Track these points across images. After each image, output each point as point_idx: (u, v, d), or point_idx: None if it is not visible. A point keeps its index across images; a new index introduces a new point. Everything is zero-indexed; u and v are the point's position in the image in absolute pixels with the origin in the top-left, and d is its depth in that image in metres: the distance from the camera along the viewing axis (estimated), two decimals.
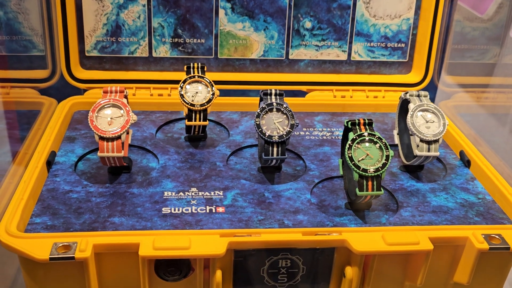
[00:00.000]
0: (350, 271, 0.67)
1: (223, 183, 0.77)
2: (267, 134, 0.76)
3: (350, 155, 0.70)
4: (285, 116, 0.77)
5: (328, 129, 0.93)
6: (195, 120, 0.83)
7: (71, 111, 0.93)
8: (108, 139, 0.74)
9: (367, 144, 0.71)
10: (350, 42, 1.00)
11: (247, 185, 0.77)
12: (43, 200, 0.72)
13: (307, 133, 0.91)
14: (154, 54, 0.99)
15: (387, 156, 0.70)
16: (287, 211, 0.73)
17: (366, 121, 0.73)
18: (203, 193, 0.75)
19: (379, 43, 1.01)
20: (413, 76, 1.02)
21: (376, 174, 0.69)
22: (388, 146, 0.71)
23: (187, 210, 0.72)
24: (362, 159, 0.70)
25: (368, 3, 0.98)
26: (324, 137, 0.90)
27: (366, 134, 0.71)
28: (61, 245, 0.62)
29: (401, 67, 1.03)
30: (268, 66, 1.01)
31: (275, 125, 0.77)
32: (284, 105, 0.78)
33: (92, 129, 0.74)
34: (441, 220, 0.72)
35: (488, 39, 1.03)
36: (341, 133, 0.91)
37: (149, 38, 0.98)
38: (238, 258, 0.67)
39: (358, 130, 0.72)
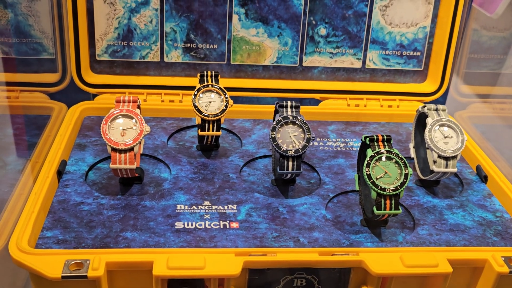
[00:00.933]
0: None
1: (236, 196, 0.76)
2: (283, 148, 0.74)
3: (368, 172, 0.68)
4: (301, 129, 0.76)
5: (342, 139, 0.91)
6: (208, 130, 0.82)
7: (81, 116, 0.91)
8: (120, 151, 0.72)
9: (385, 161, 0.69)
10: (365, 50, 0.99)
11: (261, 199, 0.76)
12: (54, 212, 0.71)
13: (320, 143, 0.90)
14: (165, 59, 0.97)
15: (406, 175, 0.69)
16: (302, 228, 0.71)
17: (385, 137, 0.71)
18: (216, 206, 0.74)
19: (394, 51, 0.99)
20: (428, 85, 1.00)
21: (394, 193, 0.68)
22: (407, 164, 0.69)
23: (201, 225, 0.70)
24: (381, 177, 0.69)
25: (384, 10, 0.96)
26: (338, 148, 0.89)
27: (384, 151, 0.70)
28: (73, 262, 0.61)
29: (416, 76, 1.01)
30: (281, 73, 0.99)
31: (290, 138, 0.75)
32: (300, 118, 0.76)
33: (105, 140, 0.72)
34: (459, 240, 0.71)
35: (505, 48, 1.01)
36: (355, 144, 0.90)
37: (161, 42, 0.96)
38: (253, 277, 0.66)
39: (376, 147, 0.70)
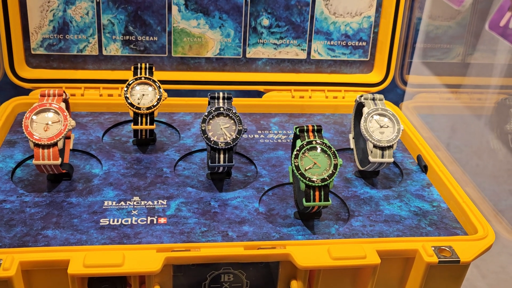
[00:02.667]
0: (296, 285, 0.65)
1: (168, 191, 0.74)
2: (213, 140, 0.72)
3: (297, 164, 0.67)
4: (232, 121, 0.74)
5: (284, 131, 0.90)
6: (141, 124, 0.79)
7: (14, 112, 0.88)
8: (43, 146, 0.70)
9: (314, 152, 0.68)
10: (310, 41, 0.97)
11: (193, 193, 0.74)
12: None
13: (261, 135, 0.88)
14: (104, 52, 0.95)
15: (335, 165, 0.67)
16: (232, 222, 0.69)
17: (315, 127, 0.69)
18: (145, 202, 0.72)
19: (339, 42, 0.97)
20: (375, 75, 0.99)
21: (323, 184, 0.66)
22: (337, 155, 0.68)
23: (127, 221, 0.68)
24: (309, 168, 0.67)
25: (327, 0, 0.94)
26: (279, 140, 0.87)
27: (314, 142, 0.68)
28: None
29: (363, 66, 0.99)
30: (224, 65, 0.97)
31: (221, 130, 0.73)
32: (233, 110, 0.74)
33: (26, 135, 0.70)
34: (393, 231, 0.70)
35: (452, 37, 1.00)
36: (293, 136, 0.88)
37: (99, 35, 0.93)
38: (178, 273, 0.63)
39: (306, 137, 0.69)
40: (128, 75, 0.94)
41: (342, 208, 0.74)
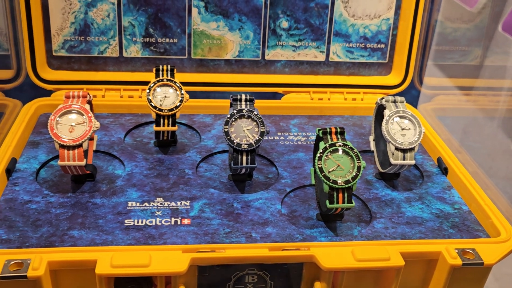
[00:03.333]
0: (319, 287, 0.65)
1: (190, 192, 0.74)
2: (235, 142, 0.73)
3: (320, 166, 0.67)
4: (255, 123, 0.74)
5: (304, 133, 0.90)
6: (163, 125, 0.80)
7: (36, 113, 0.89)
8: (68, 147, 0.70)
9: (338, 154, 0.68)
10: (328, 43, 0.97)
11: (216, 195, 0.74)
12: (0, 211, 0.69)
13: (281, 137, 0.89)
14: (124, 54, 0.95)
15: (359, 167, 0.67)
16: (255, 223, 0.70)
17: (338, 130, 0.70)
18: (169, 203, 0.72)
19: (358, 44, 0.98)
20: (393, 77, 0.99)
21: (347, 186, 0.67)
22: (360, 157, 0.68)
23: (151, 222, 0.69)
24: (333, 170, 0.67)
25: (346, 2, 0.95)
26: (299, 142, 0.87)
27: (337, 144, 0.68)
28: (13, 262, 0.59)
29: (381, 69, 1.00)
30: (243, 67, 0.98)
31: (244, 132, 0.74)
32: (255, 112, 0.75)
33: (52, 136, 0.70)
34: (415, 233, 0.70)
35: (470, 40, 1.00)
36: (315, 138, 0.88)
37: (119, 37, 0.94)
38: (202, 274, 0.64)
39: (329, 139, 0.69)
40: (148, 76, 0.95)
41: (364, 210, 0.74)
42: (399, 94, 0.97)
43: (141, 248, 0.63)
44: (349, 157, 0.68)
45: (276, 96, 1.01)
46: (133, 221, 0.69)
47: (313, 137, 0.89)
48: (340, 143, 0.68)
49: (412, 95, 1.02)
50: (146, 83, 0.94)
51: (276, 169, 0.81)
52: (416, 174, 0.82)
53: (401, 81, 0.98)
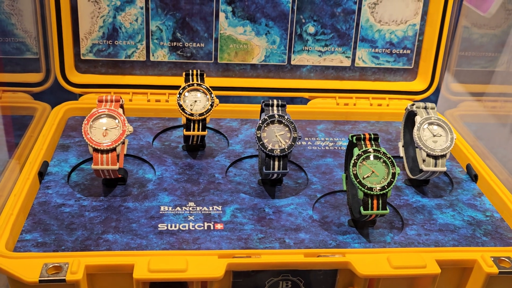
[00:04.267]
0: None
1: (222, 197, 0.75)
2: (268, 148, 0.73)
3: (355, 172, 0.67)
4: (287, 128, 0.74)
5: (331, 138, 0.90)
6: (193, 130, 0.80)
7: (65, 117, 0.90)
8: (102, 151, 0.71)
9: (372, 160, 0.68)
10: (354, 48, 0.97)
11: (247, 200, 0.75)
12: (34, 214, 0.69)
13: (309, 143, 0.89)
14: (151, 58, 0.96)
15: (393, 174, 0.67)
16: (288, 229, 0.70)
17: (372, 136, 0.70)
18: (201, 208, 0.72)
19: (384, 49, 0.98)
20: (419, 83, 0.99)
21: (382, 192, 0.66)
22: (395, 163, 0.68)
23: (184, 226, 0.69)
24: (368, 177, 0.67)
25: (373, 8, 0.95)
26: (327, 148, 0.87)
27: (371, 150, 0.68)
28: (51, 266, 0.59)
29: (406, 74, 1.00)
30: (269, 71, 0.98)
31: (276, 138, 0.74)
32: (286, 117, 0.75)
33: (86, 140, 0.71)
34: (448, 240, 0.70)
35: (496, 46, 1.00)
36: (344, 143, 0.88)
37: (147, 41, 0.94)
38: (237, 279, 0.64)
39: (363, 145, 0.69)
40: (175, 81, 0.95)
41: (395, 216, 0.74)
42: (424, 100, 0.97)
43: (177, 253, 0.63)
44: (384, 164, 0.68)
45: (300, 100, 1.01)
46: (167, 226, 0.69)
47: (340, 143, 0.89)
48: (374, 149, 0.68)
49: (437, 101, 1.02)
50: (173, 87, 0.95)
51: (305, 174, 0.81)
52: (446, 181, 0.82)
53: (427, 87, 0.98)
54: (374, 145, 0.69)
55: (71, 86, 0.93)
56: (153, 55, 0.96)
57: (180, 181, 0.77)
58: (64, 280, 0.58)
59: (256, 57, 0.97)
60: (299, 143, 0.88)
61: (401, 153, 0.83)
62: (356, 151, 0.69)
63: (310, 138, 0.90)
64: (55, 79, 0.94)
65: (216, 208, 0.72)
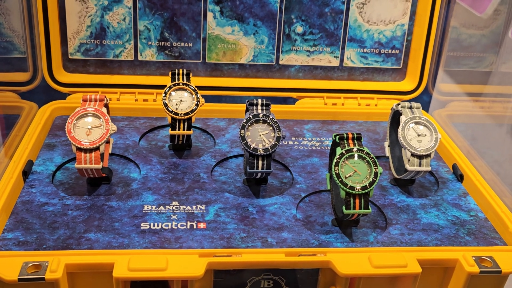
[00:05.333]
0: None
1: (206, 196, 0.75)
2: (252, 147, 0.73)
3: (337, 171, 0.67)
4: (271, 128, 0.74)
5: (318, 138, 0.90)
6: (178, 129, 0.80)
7: (52, 116, 0.90)
8: (86, 150, 0.71)
9: (355, 160, 0.68)
10: (343, 48, 0.97)
11: (231, 199, 0.74)
12: (17, 213, 0.69)
13: (295, 142, 0.89)
14: (139, 58, 0.96)
15: (376, 173, 0.67)
16: (271, 228, 0.70)
17: (355, 135, 0.70)
18: (184, 207, 0.72)
19: (372, 49, 0.98)
20: (407, 83, 0.99)
21: (363, 192, 0.66)
22: (377, 163, 0.68)
23: (167, 226, 0.69)
24: (350, 176, 0.67)
25: (361, 8, 0.95)
26: (313, 147, 0.87)
27: (354, 149, 0.68)
28: (31, 264, 0.59)
29: (395, 74, 0.99)
30: (257, 71, 0.98)
31: (260, 137, 0.74)
32: (271, 116, 0.75)
33: (69, 139, 0.71)
34: (431, 240, 0.70)
35: (485, 46, 1.00)
36: (331, 143, 0.88)
37: (135, 41, 0.94)
38: (218, 278, 0.64)
39: (346, 145, 0.69)
40: (163, 80, 0.95)
41: (379, 216, 0.74)
42: (413, 100, 0.97)
43: (158, 252, 0.63)
44: (366, 163, 0.68)
45: (289, 100, 1.01)
46: (149, 225, 0.69)
47: (327, 142, 0.89)
48: (357, 149, 0.68)
49: (425, 101, 1.02)
50: (160, 86, 0.95)
51: (291, 174, 0.81)
52: (431, 181, 0.82)
53: (415, 87, 0.98)
54: (357, 145, 0.69)
55: (58, 85, 0.93)
56: (141, 55, 0.96)
57: (164, 180, 0.77)
58: (43, 279, 0.58)
59: (245, 56, 0.97)
60: (286, 142, 0.88)
61: (387, 153, 0.83)
62: (338, 150, 0.69)
63: (297, 138, 0.90)
64: (42, 79, 0.94)
65: (199, 208, 0.72)
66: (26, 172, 0.75)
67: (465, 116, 1.01)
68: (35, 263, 0.59)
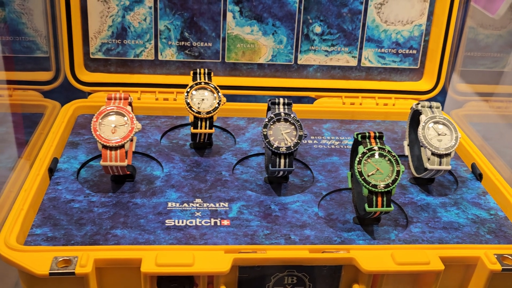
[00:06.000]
0: None
1: (228, 194, 0.76)
2: (274, 145, 0.74)
3: (359, 169, 0.68)
4: (293, 126, 0.75)
5: (337, 137, 0.91)
6: (200, 128, 0.81)
7: (74, 115, 0.91)
8: (111, 148, 0.72)
9: (377, 158, 0.69)
10: (361, 48, 0.98)
11: (253, 197, 0.75)
12: (44, 210, 0.70)
13: (315, 141, 0.89)
14: (160, 57, 0.97)
15: (398, 171, 0.68)
16: (294, 225, 0.71)
17: (377, 134, 0.71)
18: (208, 204, 0.73)
19: (390, 49, 0.98)
20: (424, 83, 0.99)
21: (386, 190, 0.67)
22: (399, 161, 0.69)
23: (191, 222, 0.70)
24: (372, 174, 0.68)
25: (379, 8, 0.96)
26: (333, 146, 0.88)
27: (376, 148, 0.69)
28: (61, 259, 0.60)
29: (412, 74, 1.00)
30: (276, 71, 0.99)
31: (282, 135, 0.75)
32: (292, 115, 0.76)
33: (95, 137, 0.72)
34: (452, 238, 0.70)
35: (502, 46, 1.00)
36: (350, 142, 0.89)
37: (155, 41, 0.96)
38: (243, 274, 0.65)
39: (368, 143, 0.70)
40: (182, 79, 0.97)
41: (400, 214, 0.75)
42: (430, 100, 0.98)
43: (184, 248, 0.64)
44: (388, 161, 0.69)
45: (304, 100, 1.02)
46: (174, 221, 0.70)
47: (346, 141, 0.90)
48: (379, 147, 0.69)
49: (442, 101, 1.03)
50: (180, 86, 0.96)
51: (311, 172, 0.82)
52: (450, 180, 0.83)
53: (433, 87, 0.98)
54: (379, 143, 0.70)
55: (80, 84, 0.95)
56: (161, 54, 0.97)
57: (187, 178, 0.78)
58: (73, 273, 0.59)
59: (263, 56, 0.98)
60: (305, 141, 0.89)
61: (406, 151, 0.83)
62: (361, 149, 0.69)
63: (316, 137, 0.90)
64: (64, 78, 0.95)
65: (222, 205, 0.73)
66: (52, 170, 0.77)
67: (482, 116, 1.02)
68: (65, 258, 0.60)
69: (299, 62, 0.99)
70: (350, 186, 0.74)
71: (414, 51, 0.99)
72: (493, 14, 1.00)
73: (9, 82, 0.95)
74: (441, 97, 1.01)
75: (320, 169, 0.82)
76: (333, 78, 1.00)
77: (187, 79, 0.93)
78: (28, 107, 0.94)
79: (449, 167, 0.76)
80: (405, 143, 0.84)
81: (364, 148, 0.69)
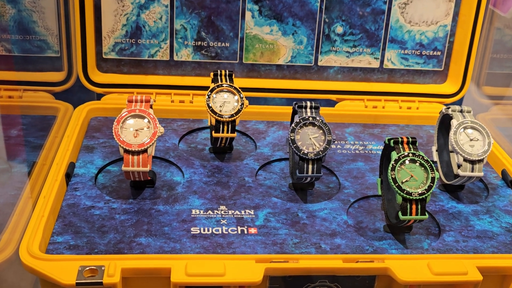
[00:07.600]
0: None
1: (253, 200, 0.73)
2: (302, 151, 0.71)
3: (393, 176, 0.65)
4: (321, 131, 0.72)
5: (361, 142, 0.88)
6: (222, 132, 0.78)
7: (88, 117, 0.88)
8: (133, 153, 0.69)
9: (411, 164, 0.66)
10: (383, 49, 0.95)
11: (279, 204, 0.73)
12: (64, 217, 0.67)
13: (338, 146, 0.87)
14: (175, 58, 0.94)
15: (433, 178, 0.65)
16: (323, 234, 0.68)
17: (410, 139, 0.68)
18: (233, 211, 0.71)
19: (413, 51, 0.96)
20: (449, 86, 0.97)
21: (421, 197, 0.65)
22: (434, 168, 0.66)
23: (217, 230, 0.67)
24: (406, 181, 0.65)
25: (403, 8, 0.93)
26: (357, 151, 0.86)
27: (410, 154, 0.66)
28: (87, 268, 0.57)
29: (436, 77, 0.98)
30: (295, 72, 0.96)
31: (310, 140, 0.72)
32: (320, 119, 0.73)
33: (118, 142, 0.69)
34: (487, 247, 0.68)
35: None
36: (374, 147, 0.87)
37: (171, 40, 0.93)
38: (274, 285, 0.62)
39: (401, 149, 0.67)
40: (199, 81, 0.94)
41: (432, 222, 0.72)
42: (455, 103, 0.95)
43: (214, 257, 0.61)
44: (422, 168, 0.66)
45: (322, 102, 0.99)
46: (199, 229, 0.67)
47: (371, 146, 0.87)
48: (413, 153, 0.67)
49: (468, 105, 1.00)
50: (197, 87, 0.93)
51: (337, 178, 0.79)
52: (480, 187, 0.80)
53: (458, 90, 0.96)
54: (412, 149, 0.67)
55: (93, 85, 0.91)
56: (176, 55, 0.94)
57: (209, 184, 0.75)
58: (101, 283, 0.56)
59: (283, 57, 0.95)
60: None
61: (435, 157, 0.81)
62: (394, 155, 0.67)
63: (339, 142, 0.88)
64: (77, 78, 0.92)
65: (248, 212, 0.71)
66: (69, 175, 0.74)
67: (510, 120, 0.99)
68: (91, 267, 0.57)
69: (319, 63, 0.96)
70: (379, 193, 0.72)
71: (439, 53, 0.96)
72: (505, 13, 0.97)
73: (19, 83, 0.92)
74: (467, 101, 0.99)
75: (346, 175, 0.79)
76: (354, 80, 0.97)
77: (203, 81, 0.90)
78: (39, 109, 0.91)
79: (481, 174, 0.73)
80: (434, 148, 0.81)
81: (397, 154, 0.67)
